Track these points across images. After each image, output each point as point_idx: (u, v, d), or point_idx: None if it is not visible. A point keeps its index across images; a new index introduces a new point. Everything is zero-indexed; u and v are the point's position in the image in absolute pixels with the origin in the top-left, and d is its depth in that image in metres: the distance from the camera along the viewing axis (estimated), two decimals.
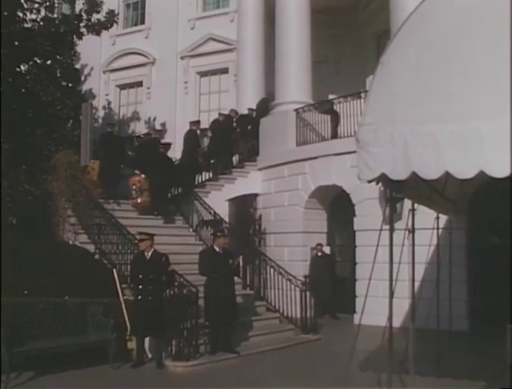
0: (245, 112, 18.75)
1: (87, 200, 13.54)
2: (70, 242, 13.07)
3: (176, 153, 18.29)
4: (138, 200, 14.65)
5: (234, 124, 18.61)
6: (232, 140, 18.20)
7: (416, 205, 8.03)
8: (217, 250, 11.01)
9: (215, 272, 10.64)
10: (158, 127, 22.37)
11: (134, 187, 14.73)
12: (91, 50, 23.40)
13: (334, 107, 16.44)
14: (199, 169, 17.58)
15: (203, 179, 17.33)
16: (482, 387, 8.00)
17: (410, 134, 5.51)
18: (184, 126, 19.61)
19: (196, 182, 17.04)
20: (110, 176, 15.53)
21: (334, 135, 15.96)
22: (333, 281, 15.33)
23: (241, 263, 13.40)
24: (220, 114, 18.88)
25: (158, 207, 14.93)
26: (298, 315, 12.68)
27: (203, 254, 11.17)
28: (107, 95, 25.20)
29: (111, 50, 24.88)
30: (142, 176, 14.85)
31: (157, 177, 14.84)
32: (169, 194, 15.87)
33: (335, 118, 16.21)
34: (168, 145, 16.38)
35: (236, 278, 11.76)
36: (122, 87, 25.32)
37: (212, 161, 18.14)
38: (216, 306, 10.50)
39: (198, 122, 18.62)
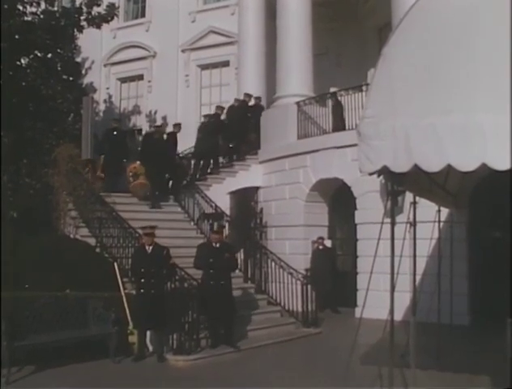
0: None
1: (88, 194, 13.56)
2: (71, 236, 13.08)
3: (179, 146, 18.27)
4: (137, 182, 15.27)
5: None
6: (247, 127, 18.10)
7: (417, 198, 8.02)
8: (214, 244, 10.94)
9: (209, 267, 10.58)
10: (160, 121, 22.32)
11: (130, 174, 15.41)
12: (92, 44, 23.35)
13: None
14: (219, 153, 17.92)
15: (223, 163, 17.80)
16: (483, 382, 8.00)
17: (411, 126, 5.47)
18: (185, 120, 19.62)
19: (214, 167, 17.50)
20: (113, 170, 15.85)
21: (342, 127, 15.82)
22: (334, 275, 15.31)
23: (241, 257, 13.40)
24: (236, 100, 18.77)
25: (154, 189, 15.34)
26: (299, 309, 12.68)
27: (199, 248, 11.14)
28: (108, 88, 25.16)
29: (112, 43, 24.82)
30: (138, 162, 15.53)
31: (153, 163, 15.22)
32: (165, 179, 16.03)
33: (340, 111, 16.13)
34: (170, 133, 16.79)
35: (237, 271, 11.74)
36: (123, 80, 25.28)
37: (231, 146, 18.35)
38: (210, 301, 10.41)
39: (223, 108, 18.70)
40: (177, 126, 17.84)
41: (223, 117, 18.42)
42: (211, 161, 17.74)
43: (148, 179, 15.25)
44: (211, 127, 17.93)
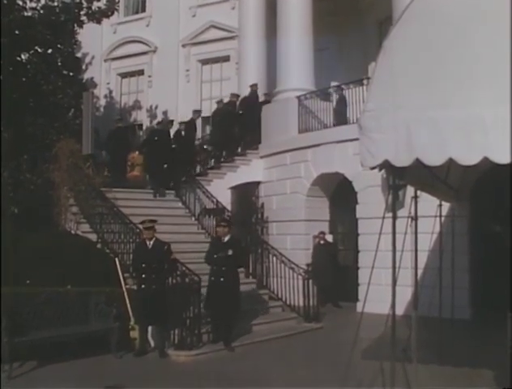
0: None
1: (89, 189, 13.55)
2: (72, 232, 13.06)
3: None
4: (130, 173, 16.16)
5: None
6: (259, 116, 18.06)
7: (418, 192, 7.98)
8: (221, 239, 10.81)
9: (213, 263, 10.53)
10: (161, 116, 22.39)
11: (129, 163, 16.23)
12: (92, 39, 23.28)
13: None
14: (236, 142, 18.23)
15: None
16: (484, 376, 7.99)
17: (413, 120, 5.45)
18: (186, 115, 19.60)
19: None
20: (118, 166, 16.40)
21: (344, 121, 15.78)
22: (335, 269, 15.31)
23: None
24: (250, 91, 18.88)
25: (151, 181, 16.14)
26: (301, 304, 12.68)
27: (210, 243, 11.17)
28: (108, 83, 25.10)
29: (112, 39, 24.74)
30: (137, 153, 16.28)
31: (153, 155, 15.86)
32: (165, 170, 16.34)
33: (343, 105, 16.11)
34: (189, 120, 17.73)
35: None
36: (124, 75, 25.22)
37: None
38: (211, 297, 10.40)
39: (238, 95, 18.86)
40: (197, 112, 18.42)
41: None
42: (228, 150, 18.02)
43: (147, 170, 15.92)
44: (229, 116, 18.10)
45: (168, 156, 16.13)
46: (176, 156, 16.65)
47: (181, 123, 17.72)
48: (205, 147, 19.36)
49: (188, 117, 19.04)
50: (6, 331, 8.51)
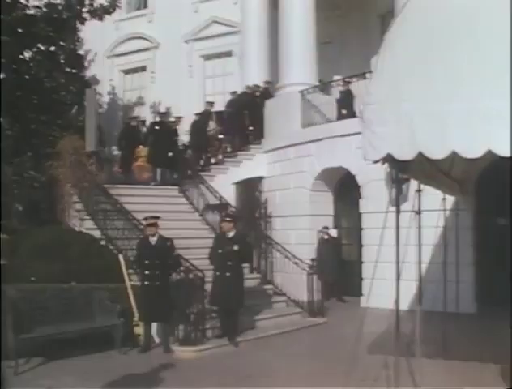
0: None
1: (93, 186, 13.55)
2: (76, 228, 13.08)
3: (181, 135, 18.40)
4: (135, 164, 16.96)
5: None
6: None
7: (422, 186, 7.95)
8: (226, 234, 10.77)
9: (218, 258, 10.50)
10: (163, 110, 22.41)
11: (134, 156, 16.95)
12: (95, 36, 23.21)
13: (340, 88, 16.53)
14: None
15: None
16: (489, 370, 7.98)
17: (415, 113, 5.41)
18: (189, 110, 19.58)
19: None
20: (129, 162, 17.01)
21: (352, 115, 15.67)
22: (340, 264, 15.32)
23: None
24: (256, 86, 19.00)
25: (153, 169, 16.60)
26: (305, 299, 12.69)
27: (214, 239, 11.16)
28: (111, 80, 25.16)
29: (114, 35, 24.77)
30: (141, 146, 16.93)
31: (155, 144, 16.37)
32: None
33: (350, 99, 16.07)
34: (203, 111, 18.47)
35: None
36: (126, 72, 25.26)
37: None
38: (217, 291, 10.38)
39: (257, 86, 18.96)
40: (210, 104, 18.98)
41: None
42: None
43: (150, 160, 16.44)
44: (244, 107, 18.29)
45: (170, 145, 16.40)
46: (182, 150, 17.31)
47: (196, 114, 18.35)
48: (220, 136, 19.31)
49: (190, 112, 19.04)
50: (12, 327, 8.53)
